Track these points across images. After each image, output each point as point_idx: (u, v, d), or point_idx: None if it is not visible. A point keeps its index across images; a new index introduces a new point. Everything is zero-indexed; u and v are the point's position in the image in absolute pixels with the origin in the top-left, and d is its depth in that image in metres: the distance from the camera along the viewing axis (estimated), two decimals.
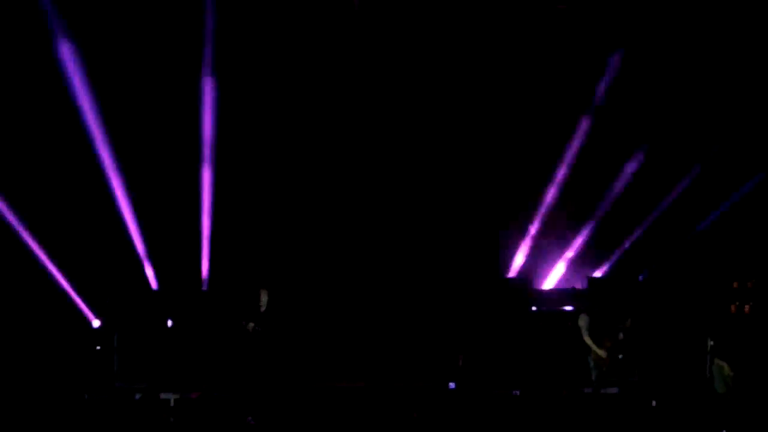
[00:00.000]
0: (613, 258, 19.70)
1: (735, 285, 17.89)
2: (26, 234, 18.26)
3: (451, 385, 15.63)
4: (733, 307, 17.62)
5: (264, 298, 16.28)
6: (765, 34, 18.77)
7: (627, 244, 19.67)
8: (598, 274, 19.55)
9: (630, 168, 19.67)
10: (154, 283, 18.95)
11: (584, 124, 19.82)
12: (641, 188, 19.66)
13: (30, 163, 18.40)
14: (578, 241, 19.85)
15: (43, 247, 18.34)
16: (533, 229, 19.86)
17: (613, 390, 16.79)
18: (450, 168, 20.13)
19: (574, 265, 19.77)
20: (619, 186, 19.71)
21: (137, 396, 14.27)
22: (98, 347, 17.88)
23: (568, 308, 18.69)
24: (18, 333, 17.85)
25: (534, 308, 18.52)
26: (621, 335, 16.42)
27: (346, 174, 19.85)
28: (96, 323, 18.35)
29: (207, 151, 19.16)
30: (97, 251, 18.62)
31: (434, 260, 19.71)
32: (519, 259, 19.81)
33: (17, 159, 18.38)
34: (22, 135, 18.28)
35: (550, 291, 19.25)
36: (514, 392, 15.02)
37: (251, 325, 16.15)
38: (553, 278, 19.76)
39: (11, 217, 18.19)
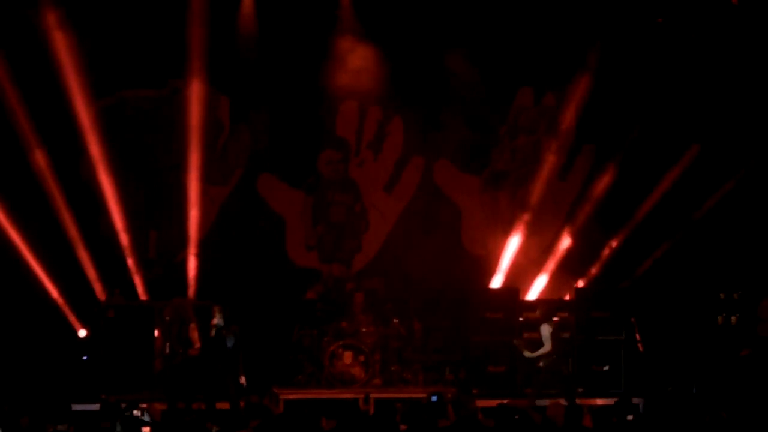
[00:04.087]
0: (598, 267, 19.72)
1: (722, 296, 17.98)
2: (13, 241, 18.20)
3: (434, 398, 15.58)
4: (719, 319, 17.69)
5: (218, 316, 16.10)
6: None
7: (612, 253, 19.69)
8: (582, 284, 19.55)
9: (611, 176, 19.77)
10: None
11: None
12: (623, 196, 19.71)
13: (18, 167, 18.34)
14: (564, 251, 19.88)
15: (30, 254, 18.27)
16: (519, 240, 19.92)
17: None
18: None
19: (560, 274, 19.78)
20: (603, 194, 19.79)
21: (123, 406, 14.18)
22: (84, 357, 17.82)
23: (555, 318, 18.65)
24: (4, 342, 17.78)
25: (521, 319, 18.49)
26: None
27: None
28: (82, 333, 18.28)
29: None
30: (84, 260, 18.56)
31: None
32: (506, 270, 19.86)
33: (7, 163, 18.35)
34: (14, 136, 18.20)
35: (537, 301, 19.22)
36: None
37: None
38: (539, 288, 19.76)
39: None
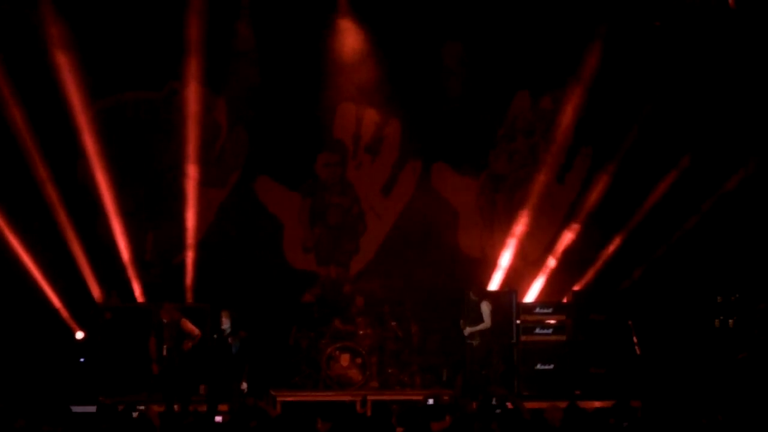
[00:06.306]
0: (596, 270, 19.71)
1: (719, 299, 17.98)
2: (11, 243, 18.18)
3: (430, 400, 15.59)
4: (717, 322, 17.69)
5: (226, 320, 16.06)
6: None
7: (609, 256, 19.68)
8: (579, 286, 19.52)
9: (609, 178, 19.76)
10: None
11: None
12: (620, 198, 19.70)
13: (16, 169, 18.32)
14: (561, 253, 19.87)
15: (27, 256, 18.26)
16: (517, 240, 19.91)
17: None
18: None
19: (558, 277, 19.76)
20: (600, 196, 19.78)
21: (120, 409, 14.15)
22: (82, 359, 17.80)
23: (552, 321, 18.62)
24: (1, 344, 17.76)
25: (518, 321, 18.45)
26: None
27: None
28: (80, 335, 18.26)
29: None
30: (82, 262, 18.55)
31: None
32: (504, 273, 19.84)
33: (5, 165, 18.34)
34: (12, 138, 18.18)
35: (535, 303, 19.21)
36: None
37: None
38: (537, 291, 19.75)
39: None
